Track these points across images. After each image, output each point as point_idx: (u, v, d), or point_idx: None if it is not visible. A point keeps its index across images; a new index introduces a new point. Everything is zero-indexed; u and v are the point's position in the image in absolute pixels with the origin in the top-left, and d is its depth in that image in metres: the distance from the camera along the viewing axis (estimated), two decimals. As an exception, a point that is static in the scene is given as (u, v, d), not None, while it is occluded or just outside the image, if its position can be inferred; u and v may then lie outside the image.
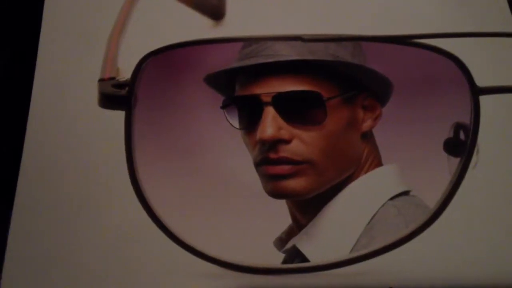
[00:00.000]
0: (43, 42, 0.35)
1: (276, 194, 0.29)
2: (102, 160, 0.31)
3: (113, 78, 0.29)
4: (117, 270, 0.29)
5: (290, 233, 0.30)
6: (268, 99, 0.28)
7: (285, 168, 0.28)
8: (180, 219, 0.28)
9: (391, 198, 0.29)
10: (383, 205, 0.28)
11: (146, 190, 0.28)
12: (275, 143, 0.28)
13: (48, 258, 0.29)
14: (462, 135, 0.27)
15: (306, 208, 0.29)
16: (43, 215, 0.30)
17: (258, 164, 0.29)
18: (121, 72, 0.29)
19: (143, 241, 0.29)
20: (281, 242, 0.30)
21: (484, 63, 0.31)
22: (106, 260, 0.29)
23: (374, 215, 0.28)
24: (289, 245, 0.29)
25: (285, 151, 0.28)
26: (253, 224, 0.30)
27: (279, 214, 0.30)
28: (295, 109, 0.28)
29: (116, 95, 0.28)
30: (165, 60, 0.29)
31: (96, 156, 0.32)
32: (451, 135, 0.27)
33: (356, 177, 0.29)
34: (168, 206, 0.28)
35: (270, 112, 0.28)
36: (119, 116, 0.28)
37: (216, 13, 0.35)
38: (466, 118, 0.27)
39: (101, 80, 0.29)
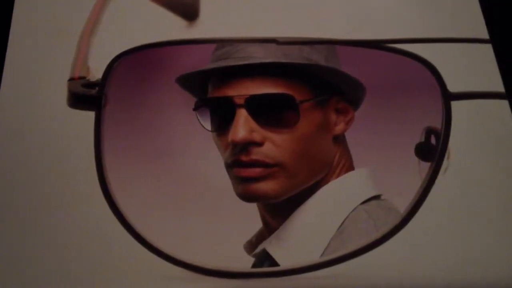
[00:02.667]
0: (12, 40, 0.34)
1: (247, 197, 0.28)
2: (71, 161, 0.31)
3: (83, 78, 0.28)
4: (85, 273, 0.28)
5: (260, 236, 0.30)
6: (240, 101, 0.28)
7: (256, 171, 0.28)
8: (149, 221, 0.28)
9: (362, 202, 0.29)
10: (354, 209, 0.28)
11: (115, 192, 0.27)
12: (247, 146, 0.28)
13: (17, 259, 0.29)
14: (433, 140, 0.27)
15: (277, 212, 0.29)
16: (12, 216, 0.30)
17: (229, 167, 0.29)
18: (92, 71, 0.29)
19: (111, 244, 0.29)
20: (251, 245, 0.30)
21: (456, 68, 0.32)
22: (74, 262, 0.29)
23: (345, 219, 0.28)
24: (259, 248, 0.29)
25: (257, 154, 0.28)
26: (223, 227, 0.30)
27: (250, 217, 0.30)
28: (268, 112, 0.28)
29: (86, 95, 0.28)
30: (137, 60, 0.29)
31: (65, 156, 0.31)
32: (423, 139, 0.28)
33: (328, 181, 0.29)
34: (137, 208, 0.28)
35: (242, 114, 0.28)
36: (89, 116, 0.28)
37: (190, 14, 0.35)
38: (437, 123, 0.27)
39: (71, 80, 0.28)
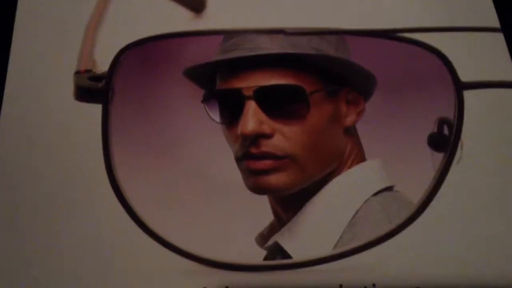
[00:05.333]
0: (17, 33, 0.34)
1: (257, 189, 0.28)
2: (79, 155, 0.31)
3: (89, 71, 0.28)
4: (95, 267, 0.28)
5: (272, 229, 0.29)
6: (249, 93, 0.28)
7: (266, 163, 0.28)
8: (159, 215, 0.28)
9: (375, 194, 0.28)
10: (366, 201, 0.28)
11: (124, 185, 0.27)
12: (256, 138, 0.28)
13: (26, 257, 0.28)
14: (446, 130, 0.27)
15: (288, 204, 0.29)
16: (18, 210, 0.29)
17: (239, 159, 0.28)
18: (98, 64, 0.28)
19: (122, 238, 0.28)
20: (262, 238, 0.29)
21: (468, 58, 0.31)
22: (84, 257, 0.28)
23: (358, 211, 0.28)
24: (270, 241, 0.29)
25: (267, 146, 0.28)
26: (235, 220, 0.29)
27: (261, 210, 0.29)
28: (277, 103, 0.28)
29: (93, 88, 0.27)
30: (144, 52, 0.28)
31: (73, 150, 0.31)
32: (435, 130, 0.27)
33: (339, 173, 0.29)
34: (146, 202, 0.28)
35: (251, 106, 0.28)
36: (96, 109, 0.27)
37: (197, 5, 0.35)
38: (450, 113, 0.27)
39: (77, 73, 0.28)
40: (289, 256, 0.28)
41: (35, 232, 0.29)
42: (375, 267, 0.27)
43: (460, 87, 0.27)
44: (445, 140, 0.27)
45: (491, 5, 0.35)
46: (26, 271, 0.28)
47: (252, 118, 0.27)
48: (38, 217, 0.29)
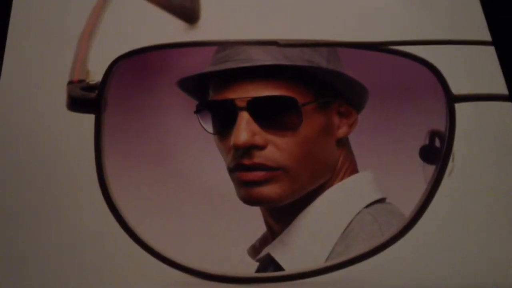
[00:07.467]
0: (10, 43, 0.34)
1: (250, 201, 0.28)
2: (71, 165, 0.31)
3: (82, 81, 0.28)
4: (85, 278, 0.28)
5: (264, 241, 0.29)
6: (242, 104, 0.28)
7: (259, 175, 0.28)
8: (150, 225, 0.28)
9: (367, 206, 0.28)
10: (358, 213, 0.28)
11: (115, 195, 0.27)
12: (249, 149, 0.28)
13: (14, 262, 0.28)
14: (437, 143, 0.27)
15: (281, 216, 0.29)
16: (11, 221, 0.29)
17: (232, 170, 0.28)
18: (91, 75, 0.28)
19: (113, 248, 0.28)
20: (255, 250, 0.29)
21: (459, 71, 0.31)
22: (74, 266, 0.28)
23: (350, 223, 0.28)
24: (263, 253, 0.29)
25: (259, 157, 0.28)
26: (227, 231, 0.29)
27: (253, 222, 0.29)
28: (270, 115, 0.28)
29: (86, 98, 0.27)
30: (137, 63, 0.28)
31: (65, 160, 0.31)
32: (427, 142, 0.27)
33: (331, 184, 0.29)
34: (138, 212, 0.28)
35: (244, 117, 0.28)
36: (88, 119, 0.27)
37: (190, 16, 0.35)
38: (441, 126, 0.27)
39: (70, 83, 0.28)
40: (281, 268, 0.28)
41: (25, 240, 0.29)
42: (367, 279, 0.27)
43: (452, 99, 0.27)
44: (437, 153, 0.27)
45: (482, 19, 0.35)
46: (16, 278, 0.28)
47: (245, 129, 0.28)
48: (30, 226, 0.29)
